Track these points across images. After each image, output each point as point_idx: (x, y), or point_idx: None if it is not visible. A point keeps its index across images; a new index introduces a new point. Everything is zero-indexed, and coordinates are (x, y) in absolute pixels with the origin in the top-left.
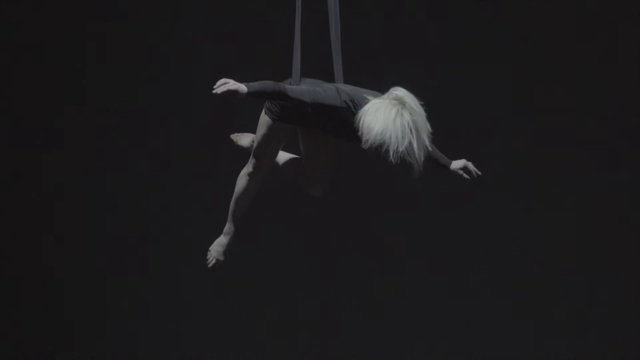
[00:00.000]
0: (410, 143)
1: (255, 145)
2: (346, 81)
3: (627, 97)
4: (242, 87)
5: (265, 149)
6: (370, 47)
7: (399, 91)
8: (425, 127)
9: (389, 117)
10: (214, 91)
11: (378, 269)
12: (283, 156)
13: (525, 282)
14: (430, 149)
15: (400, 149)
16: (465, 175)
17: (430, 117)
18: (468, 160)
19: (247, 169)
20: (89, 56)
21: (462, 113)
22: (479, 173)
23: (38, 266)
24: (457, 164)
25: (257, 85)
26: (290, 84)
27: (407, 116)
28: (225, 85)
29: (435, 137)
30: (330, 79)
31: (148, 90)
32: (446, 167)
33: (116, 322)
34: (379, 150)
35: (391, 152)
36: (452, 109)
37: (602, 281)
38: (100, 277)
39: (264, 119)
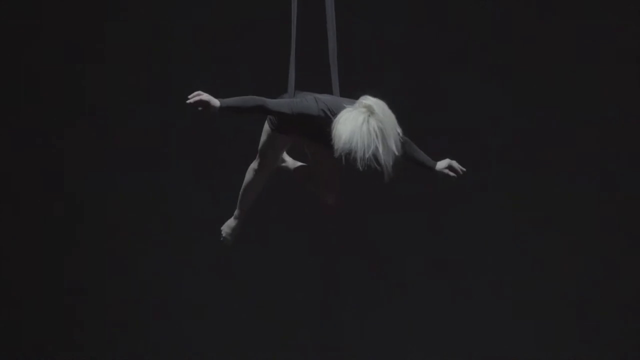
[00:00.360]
0: (376, 149)
1: (259, 147)
2: (346, 88)
3: (628, 97)
4: (215, 101)
5: (266, 153)
6: (369, 50)
7: (368, 100)
8: (393, 133)
9: (356, 124)
10: (187, 101)
11: (378, 270)
12: (295, 164)
13: (525, 282)
14: (397, 153)
15: (367, 155)
16: (451, 174)
17: (430, 120)
18: (467, 160)
19: (254, 164)
20: (90, 56)
21: (462, 114)
22: (464, 170)
23: (38, 266)
24: (441, 164)
25: (232, 100)
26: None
27: (373, 123)
28: (198, 96)
29: (434, 139)
30: (327, 89)
31: (150, 92)
32: (432, 169)
33: (117, 322)
34: (347, 158)
35: (358, 159)
36: (451, 111)
37: (602, 281)
38: (101, 277)
39: (266, 127)
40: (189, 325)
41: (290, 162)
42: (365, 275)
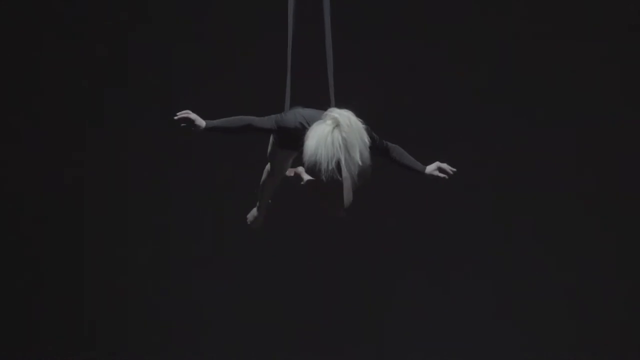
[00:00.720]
0: (339, 159)
1: (268, 155)
2: (345, 93)
3: (627, 98)
4: (200, 121)
5: (274, 163)
6: (366, 53)
7: (334, 112)
8: (358, 143)
9: (321, 137)
10: (174, 117)
11: (379, 271)
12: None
13: (525, 283)
14: (361, 164)
15: (330, 166)
16: (441, 175)
17: (428, 122)
18: (468, 162)
19: (268, 166)
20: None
21: (461, 117)
22: (454, 170)
23: (40, 270)
24: (431, 168)
25: (218, 122)
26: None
27: (337, 134)
28: (185, 114)
29: (430, 143)
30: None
31: (154, 95)
32: (421, 173)
33: (119, 322)
34: (314, 170)
35: (322, 170)
36: (450, 114)
37: (602, 282)
38: (99, 278)
39: (271, 139)
40: (191, 327)
41: (305, 178)
42: (365, 276)
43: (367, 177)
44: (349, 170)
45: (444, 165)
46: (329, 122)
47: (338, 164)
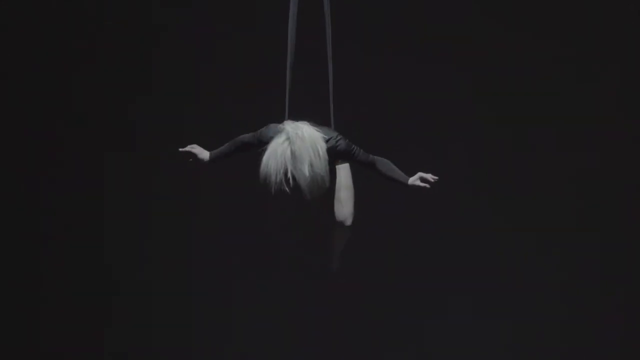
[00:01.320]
0: (286, 171)
1: None
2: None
3: (627, 99)
4: (204, 154)
5: None
6: (366, 58)
7: (289, 125)
8: (309, 156)
9: (272, 150)
10: (180, 149)
11: (379, 279)
12: None
13: (525, 285)
14: (308, 174)
15: (279, 177)
16: (422, 184)
17: (427, 125)
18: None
19: None
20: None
21: (461, 117)
22: (436, 178)
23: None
24: (413, 178)
25: (218, 151)
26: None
27: (286, 147)
28: (191, 148)
29: (430, 144)
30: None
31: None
32: (405, 184)
33: (120, 321)
34: (265, 181)
35: (272, 182)
36: (449, 114)
37: (601, 284)
38: (99, 276)
39: None
40: (190, 326)
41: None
42: (367, 283)
43: (322, 187)
44: (300, 181)
45: (426, 175)
46: (283, 135)
47: (286, 175)
